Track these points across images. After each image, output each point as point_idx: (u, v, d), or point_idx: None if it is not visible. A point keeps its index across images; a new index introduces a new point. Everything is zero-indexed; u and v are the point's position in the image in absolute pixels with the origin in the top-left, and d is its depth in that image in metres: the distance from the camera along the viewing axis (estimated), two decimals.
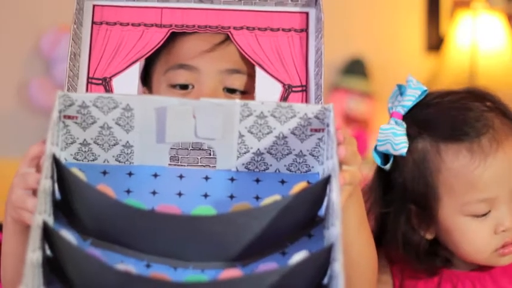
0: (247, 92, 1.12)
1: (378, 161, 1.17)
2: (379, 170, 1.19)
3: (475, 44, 3.00)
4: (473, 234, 1.13)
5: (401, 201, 1.16)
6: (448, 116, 1.15)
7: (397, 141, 1.13)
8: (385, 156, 1.16)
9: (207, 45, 1.12)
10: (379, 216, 1.19)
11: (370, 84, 3.11)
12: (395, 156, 1.15)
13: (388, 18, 3.24)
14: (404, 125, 1.14)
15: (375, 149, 1.16)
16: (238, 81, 1.12)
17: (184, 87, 1.13)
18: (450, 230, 1.15)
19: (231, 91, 1.12)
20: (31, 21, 3.06)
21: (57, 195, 0.91)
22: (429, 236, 1.17)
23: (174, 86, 1.13)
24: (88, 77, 1.08)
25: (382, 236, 1.18)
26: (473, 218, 1.13)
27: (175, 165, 0.97)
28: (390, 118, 1.16)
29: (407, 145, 1.13)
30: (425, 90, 1.16)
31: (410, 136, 1.14)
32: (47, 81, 3.03)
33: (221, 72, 1.11)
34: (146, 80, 1.19)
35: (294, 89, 1.08)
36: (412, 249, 1.16)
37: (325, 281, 0.84)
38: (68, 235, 0.84)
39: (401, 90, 1.18)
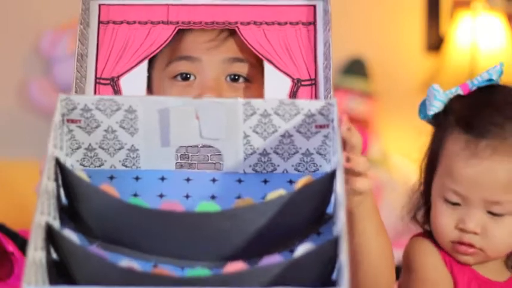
0: (251, 81, 1.12)
1: (422, 115, 1.22)
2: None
3: (475, 44, 3.00)
4: (440, 217, 1.17)
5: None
6: (482, 110, 1.18)
7: (433, 103, 1.18)
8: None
9: (209, 37, 1.12)
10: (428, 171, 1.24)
11: (370, 84, 3.11)
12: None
13: (388, 18, 3.24)
14: (450, 97, 1.18)
15: (423, 101, 1.21)
16: (241, 69, 1.12)
17: (185, 78, 1.12)
18: (433, 203, 1.19)
19: (234, 79, 1.12)
20: (31, 21, 3.05)
21: (64, 201, 0.90)
22: None
23: (175, 77, 1.12)
24: (96, 78, 1.07)
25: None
26: (446, 203, 1.16)
27: (182, 167, 0.96)
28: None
29: (436, 110, 1.18)
30: (491, 80, 1.19)
31: (448, 107, 1.19)
32: (46, 81, 3.03)
33: (223, 61, 1.11)
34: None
35: (303, 82, 1.07)
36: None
37: (334, 276, 0.83)
38: (72, 235, 0.83)
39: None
